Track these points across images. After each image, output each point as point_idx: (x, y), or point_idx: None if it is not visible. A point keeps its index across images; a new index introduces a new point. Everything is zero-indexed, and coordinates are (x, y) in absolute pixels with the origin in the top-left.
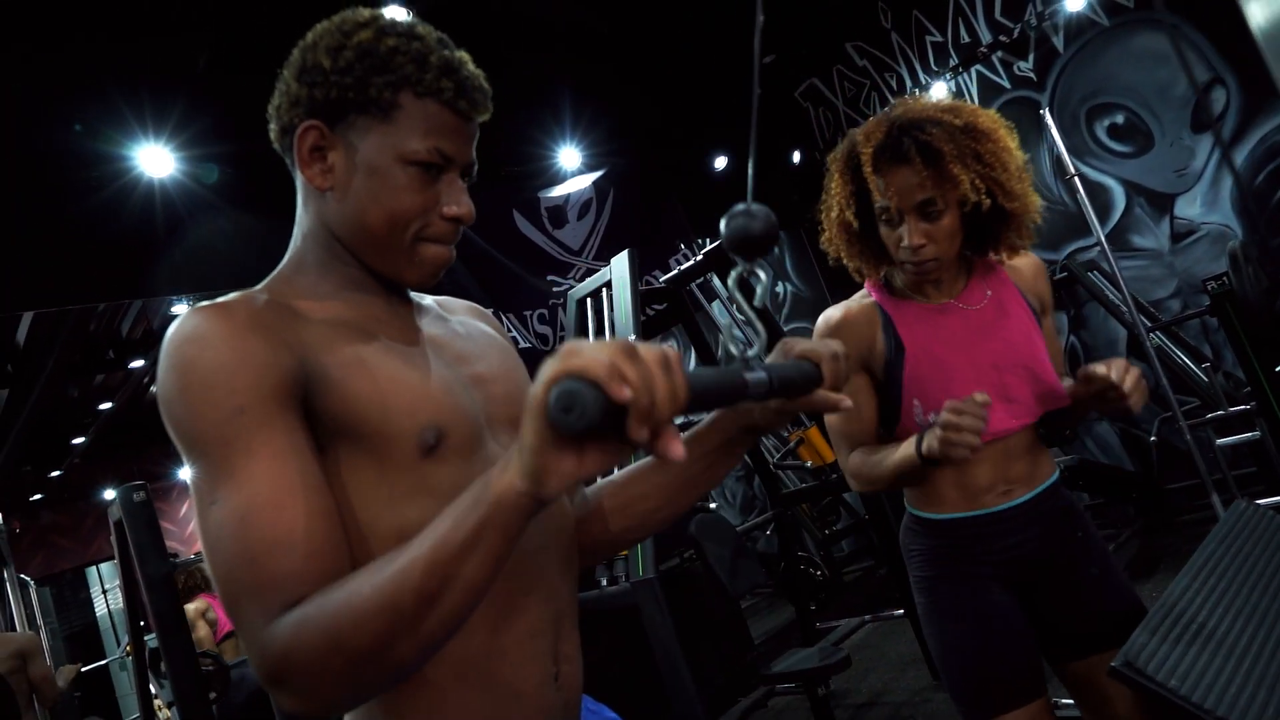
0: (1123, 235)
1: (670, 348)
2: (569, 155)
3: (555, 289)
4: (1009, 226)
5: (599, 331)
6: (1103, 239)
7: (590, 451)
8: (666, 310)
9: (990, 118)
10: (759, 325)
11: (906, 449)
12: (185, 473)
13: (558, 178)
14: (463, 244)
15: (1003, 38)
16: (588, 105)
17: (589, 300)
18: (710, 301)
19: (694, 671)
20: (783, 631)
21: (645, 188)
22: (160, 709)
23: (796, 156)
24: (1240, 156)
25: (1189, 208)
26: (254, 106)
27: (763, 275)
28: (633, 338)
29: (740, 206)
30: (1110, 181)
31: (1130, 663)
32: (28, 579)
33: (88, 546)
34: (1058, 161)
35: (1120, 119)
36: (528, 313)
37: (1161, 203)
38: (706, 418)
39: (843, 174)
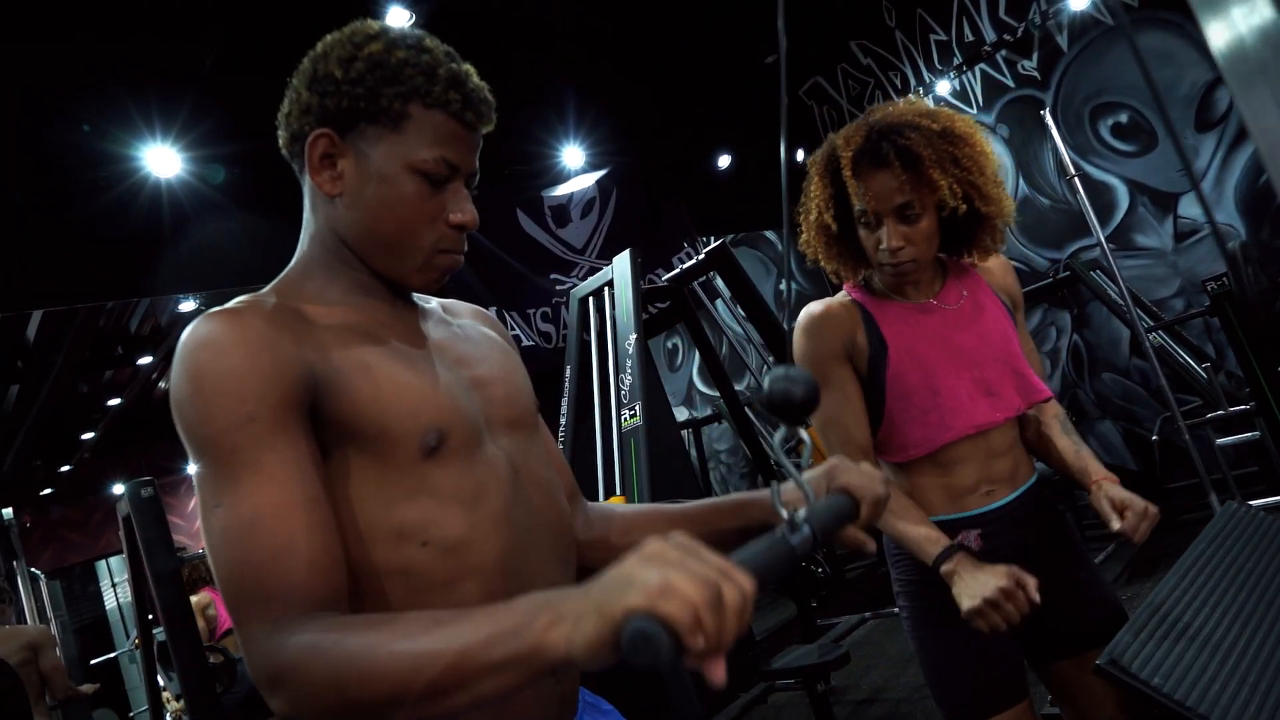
0: (1126, 234)
1: (747, 579)
2: (572, 154)
3: (558, 287)
4: (984, 230)
5: (601, 330)
6: (1102, 239)
7: None
8: (669, 308)
9: (966, 122)
10: (807, 488)
11: (922, 543)
12: (192, 468)
13: (561, 177)
14: (467, 243)
15: (1007, 36)
16: (591, 104)
17: (591, 299)
18: (712, 300)
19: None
20: (784, 628)
21: (648, 186)
22: (169, 701)
23: (800, 155)
24: (1244, 156)
25: (1192, 207)
26: (260, 107)
27: (805, 437)
28: (633, 337)
29: (780, 370)
30: (1114, 180)
31: (1115, 660)
32: (38, 572)
33: (97, 541)
34: (1060, 161)
35: (1124, 118)
36: (531, 311)
37: (1165, 202)
38: (729, 504)
39: (822, 177)
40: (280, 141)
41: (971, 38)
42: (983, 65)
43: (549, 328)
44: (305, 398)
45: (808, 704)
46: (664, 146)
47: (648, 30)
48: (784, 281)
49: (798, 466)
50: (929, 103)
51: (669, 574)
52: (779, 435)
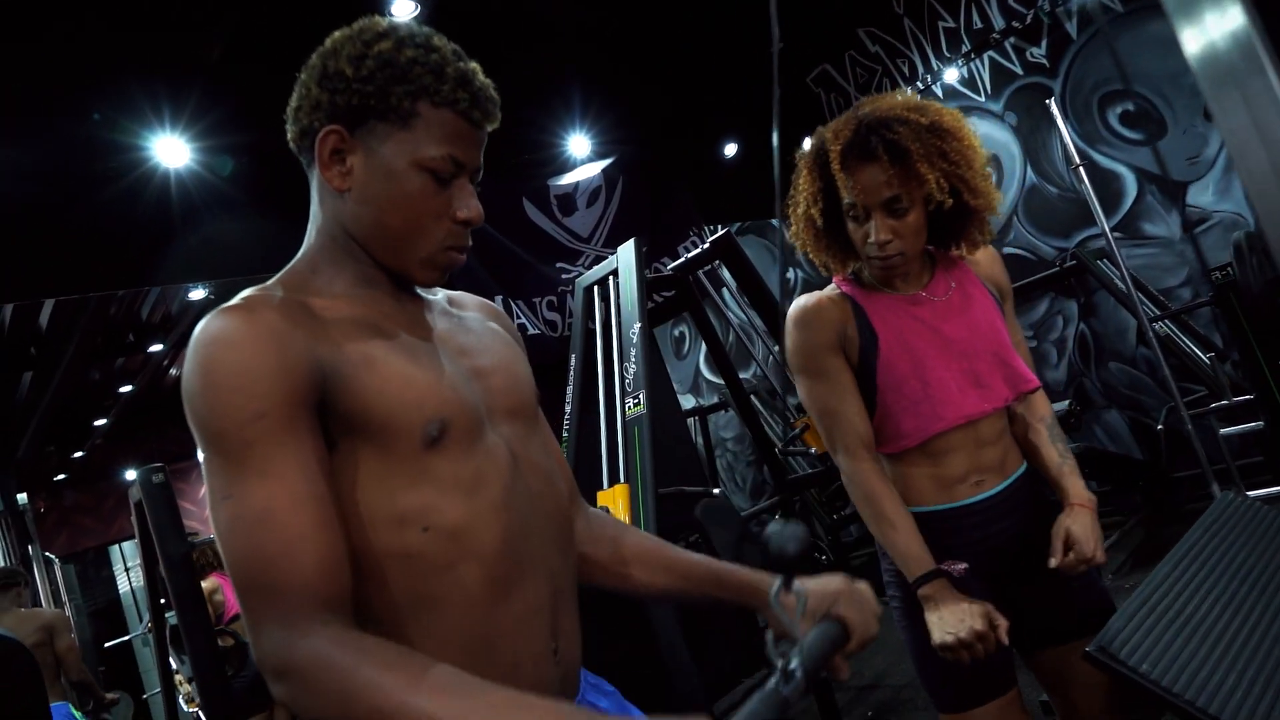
0: (1134, 223)
1: None
2: (578, 143)
3: (564, 276)
4: (971, 223)
5: (605, 319)
6: (1107, 229)
7: None
8: (674, 298)
9: (954, 116)
10: (798, 634)
11: (908, 560)
12: (201, 458)
13: (567, 166)
14: (474, 232)
15: (1015, 24)
16: (597, 94)
17: (596, 288)
18: (718, 289)
19: (699, 653)
20: None
21: (654, 175)
22: (181, 683)
23: (808, 143)
24: None
25: (1201, 195)
26: (267, 99)
27: (802, 592)
28: (638, 326)
29: (775, 526)
30: (1122, 169)
31: (1105, 648)
32: (52, 557)
33: (110, 525)
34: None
35: (1132, 106)
36: (537, 300)
37: (1173, 191)
38: (732, 580)
39: (811, 171)
40: (288, 136)
41: (980, 25)
42: (991, 53)
43: (555, 316)
44: (314, 394)
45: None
46: (670, 135)
47: (654, 19)
48: (791, 269)
49: (797, 597)
50: (937, 91)
51: None
52: (775, 588)
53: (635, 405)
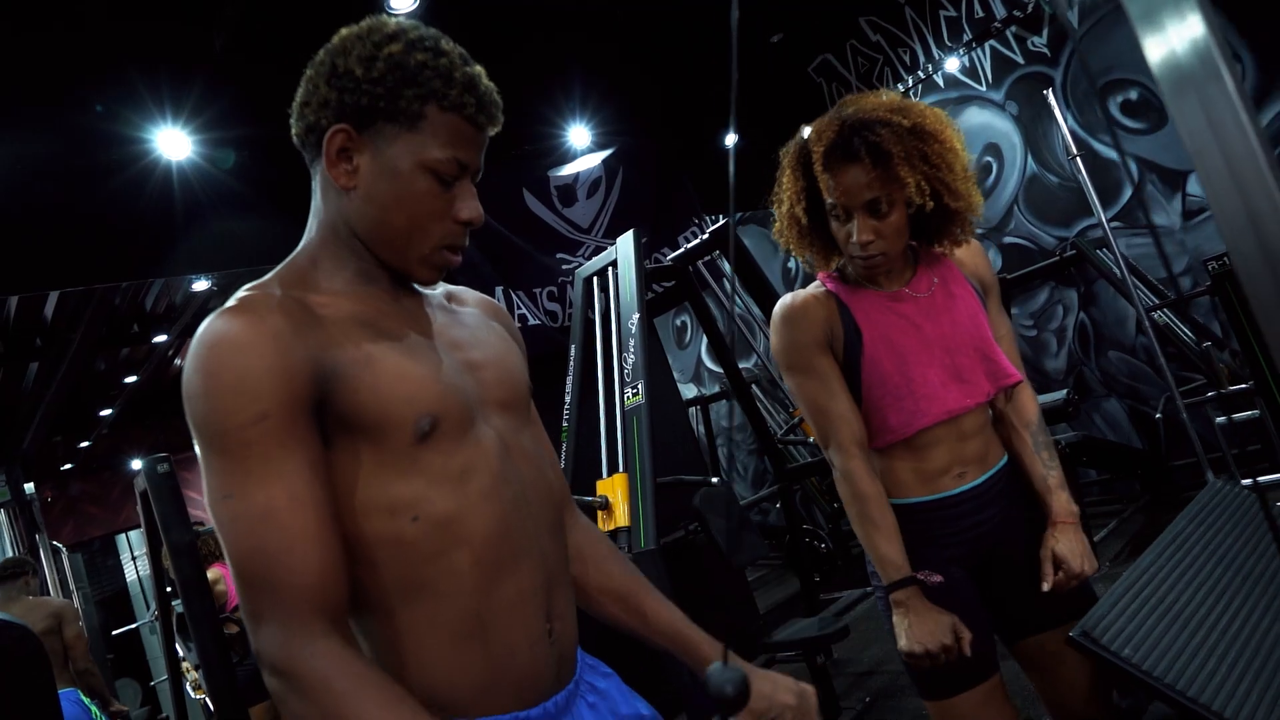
0: (1134, 212)
1: None
2: (579, 134)
3: (564, 267)
4: (953, 223)
5: (605, 309)
6: (1104, 219)
7: None
8: (674, 288)
9: (938, 118)
10: None
11: (885, 565)
12: (199, 455)
13: (567, 156)
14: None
15: (1016, 13)
16: (597, 84)
17: (595, 278)
18: (718, 280)
19: None
20: (788, 602)
21: (654, 166)
22: (188, 670)
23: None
24: None
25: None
26: (269, 92)
27: None
28: (636, 316)
29: (716, 667)
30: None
31: (1088, 633)
32: (60, 546)
33: (117, 515)
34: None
35: (1134, 95)
36: (538, 290)
37: (1174, 180)
38: (687, 642)
39: (794, 170)
40: (294, 131)
41: (981, 14)
42: (992, 42)
43: (555, 307)
44: (313, 394)
45: (808, 676)
46: (671, 126)
47: (654, 9)
48: (792, 259)
49: None
50: (938, 80)
51: None
52: None
53: (634, 395)
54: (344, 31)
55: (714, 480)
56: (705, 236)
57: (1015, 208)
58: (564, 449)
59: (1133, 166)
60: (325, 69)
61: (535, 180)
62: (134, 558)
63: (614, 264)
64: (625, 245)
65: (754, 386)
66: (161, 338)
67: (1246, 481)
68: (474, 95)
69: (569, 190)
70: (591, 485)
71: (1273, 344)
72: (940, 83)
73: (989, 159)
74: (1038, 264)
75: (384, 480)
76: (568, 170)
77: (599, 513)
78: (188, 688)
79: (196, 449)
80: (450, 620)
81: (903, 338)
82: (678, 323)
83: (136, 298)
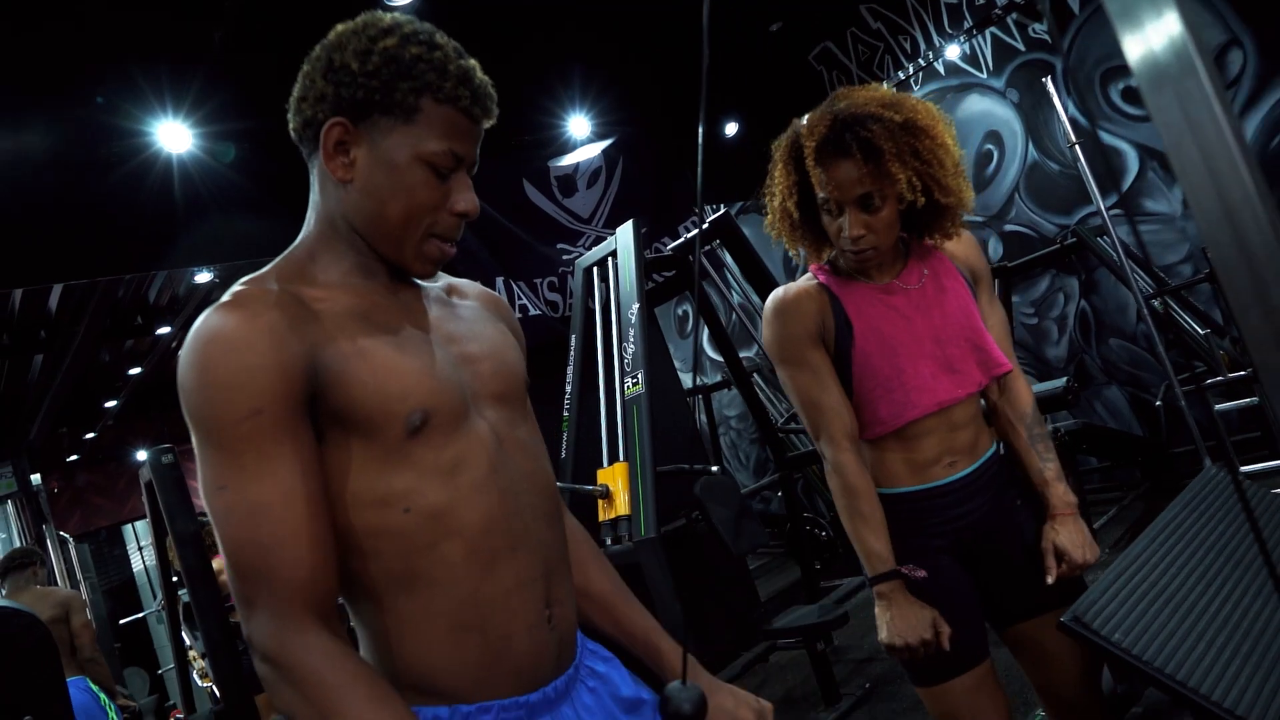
0: (1136, 199)
1: None
2: (578, 124)
3: (565, 257)
4: (944, 217)
5: (605, 299)
6: (1103, 208)
7: None
8: (675, 277)
9: (929, 113)
10: None
11: (870, 557)
12: (195, 446)
13: (567, 146)
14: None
15: None
16: (597, 74)
17: (595, 269)
18: (719, 269)
19: (700, 627)
20: (789, 590)
21: (654, 155)
22: (194, 659)
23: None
24: (1255, 120)
25: None
26: (269, 85)
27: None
28: (636, 306)
29: (675, 686)
30: (1124, 145)
31: (1079, 618)
32: (67, 536)
33: (123, 505)
34: (1072, 125)
35: (1135, 82)
36: (538, 280)
37: None
38: (653, 649)
39: (786, 164)
40: (291, 125)
41: (982, 1)
42: (993, 29)
43: (556, 297)
44: (307, 389)
45: (809, 662)
46: (670, 116)
47: None
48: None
49: None
50: (939, 68)
51: None
52: None
53: (634, 385)
54: (340, 27)
55: (714, 469)
56: (705, 226)
57: (1016, 195)
58: (565, 438)
59: (1131, 154)
60: (321, 64)
61: (535, 171)
62: (140, 548)
63: (614, 254)
64: (625, 235)
65: (755, 375)
66: (165, 330)
67: (1209, 463)
68: (469, 88)
69: (569, 180)
70: (592, 474)
71: (1248, 334)
72: (941, 70)
73: (990, 147)
74: (1039, 252)
75: (376, 473)
76: (568, 160)
77: (600, 501)
78: (194, 676)
79: (193, 441)
80: (446, 608)
81: (893, 330)
82: (679, 312)
83: (140, 290)
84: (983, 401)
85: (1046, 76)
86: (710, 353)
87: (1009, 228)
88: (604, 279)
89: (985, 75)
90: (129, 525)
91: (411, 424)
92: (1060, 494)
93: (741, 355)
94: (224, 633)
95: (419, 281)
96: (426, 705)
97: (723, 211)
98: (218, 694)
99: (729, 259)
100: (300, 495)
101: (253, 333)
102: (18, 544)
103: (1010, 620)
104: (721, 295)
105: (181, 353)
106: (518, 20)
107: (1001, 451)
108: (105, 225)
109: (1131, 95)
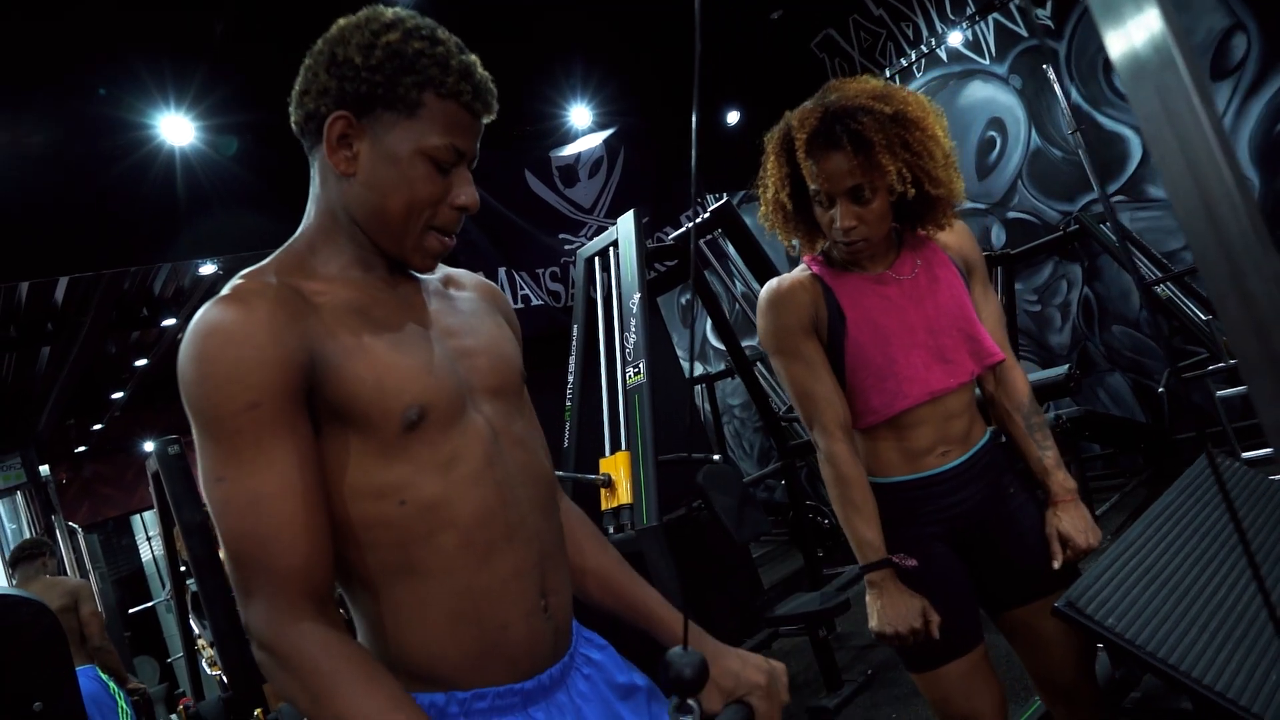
0: (1138, 185)
1: None
2: (580, 114)
3: (567, 247)
4: (935, 208)
5: (606, 289)
6: (1105, 195)
7: None
8: (676, 267)
9: (920, 105)
10: None
11: (863, 546)
12: (195, 438)
13: (569, 137)
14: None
15: None
16: (598, 64)
17: (597, 259)
18: (720, 259)
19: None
20: (793, 577)
21: (656, 145)
22: (203, 647)
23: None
24: (1259, 105)
25: None
26: (271, 78)
27: (694, 706)
28: (637, 296)
29: (676, 651)
30: (1127, 131)
31: (1072, 603)
32: (76, 527)
33: (131, 496)
34: (1074, 112)
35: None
36: (540, 271)
37: None
38: (652, 618)
39: (778, 156)
40: (293, 119)
41: None
42: (996, 15)
43: (558, 287)
44: (305, 383)
45: (811, 649)
46: (671, 105)
47: None
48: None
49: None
50: (941, 54)
51: None
52: (671, 704)
53: (635, 375)
54: (342, 21)
55: (715, 457)
56: (707, 215)
57: (1019, 182)
58: (567, 428)
59: (1133, 140)
60: (324, 57)
61: (537, 161)
62: (149, 538)
63: (615, 244)
64: (626, 225)
65: (758, 364)
66: (170, 321)
67: (1249, 455)
68: (470, 83)
69: (570, 171)
70: (595, 463)
71: (1226, 322)
72: (943, 57)
73: (992, 133)
74: (1042, 239)
75: (373, 466)
76: (569, 150)
77: (602, 490)
78: (203, 664)
79: (193, 432)
80: (442, 598)
81: (886, 320)
82: (683, 301)
83: (144, 282)
84: (979, 391)
85: (1047, 64)
86: (714, 341)
87: (1012, 214)
88: (605, 269)
89: (988, 61)
90: (137, 515)
91: (408, 419)
92: (1060, 480)
93: (744, 344)
94: (231, 621)
95: (417, 274)
96: (423, 692)
97: (724, 200)
98: (226, 682)
99: (731, 249)
100: (297, 487)
101: (251, 326)
102: (27, 534)
103: (1005, 606)
104: (724, 284)
105: (181, 346)
106: (519, 10)
107: (996, 440)
108: (108, 218)
109: None
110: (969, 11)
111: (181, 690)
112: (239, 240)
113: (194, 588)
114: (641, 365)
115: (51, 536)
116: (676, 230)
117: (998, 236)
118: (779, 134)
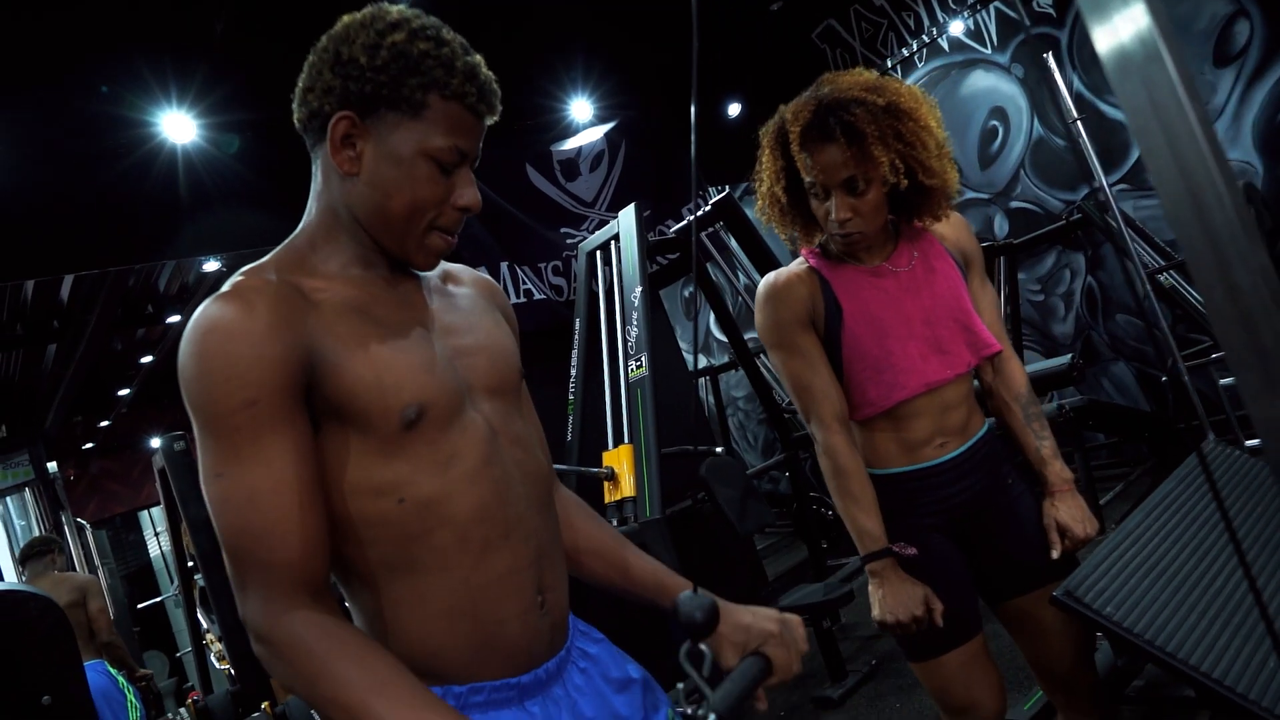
0: (1141, 173)
1: None
2: (581, 107)
3: (569, 241)
4: (930, 199)
5: (608, 283)
6: (1105, 184)
7: None
8: (679, 260)
9: (913, 96)
10: (706, 690)
11: (863, 536)
12: (195, 434)
13: (570, 130)
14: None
15: None
16: (599, 57)
17: (599, 252)
18: (722, 251)
19: None
20: (797, 569)
21: (657, 138)
22: (211, 642)
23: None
24: (1262, 92)
25: None
26: (272, 73)
27: (706, 651)
28: (639, 290)
29: (686, 595)
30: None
31: (1071, 592)
32: (84, 523)
33: (138, 492)
34: (1077, 101)
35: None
36: (542, 264)
37: None
38: (656, 586)
39: (773, 149)
40: (296, 116)
41: None
42: (997, 4)
43: (560, 281)
44: (304, 381)
45: (815, 640)
46: (672, 98)
47: None
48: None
49: (704, 662)
50: (943, 44)
51: None
52: (683, 649)
53: (637, 368)
54: (346, 19)
55: (718, 450)
56: (708, 208)
57: (1021, 171)
58: (570, 421)
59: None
60: (329, 56)
61: (538, 155)
62: (156, 533)
63: (616, 238)
64: (627, 219)
65: (760, 356)
66: (175, 318)
67: (1211, 438)
68: (475, 85)
69: (572, 164)
70: (598, 457)
71: (1212, 313)
72: (945, 46)
73: (994, 123)
74: (1044, 228)
75: (371, 464)
76: (570, 144)
77: (605, 483)
78: (211, 658)
79: (193, 428)
80: (439, 594)
81: (883, 311)
82: (686, 294)
83: (149, 279)
84: (977, 383)
85: (1048, 52)
86: (717, 334)
87: (1014, 204)
88: (607, 262)
89: (990, 51)
90: (145, 511)
91: (407, 418)
92: (1057, 471)
93: (747, 336)
94: (239, 616)
95: (415, 271)
96: None
97: (726, 193)
98: (234, 675)
99: (733, 241)
100: (294, 483)
101: (249, 323)
102: (36, 531)
103: (1004, 597)
104: (726, 277)
105: (181, 342)
106: (520, 4)
107: (994, 431)
108: (111, 216)
109: None
110: (970, 0)
111: (191, 684)
112: (241, 237)
113: (201, 582)
114: (644, 358)
115: (60, 533)
116: (678, 223)
117: (1000, 226)
118: (773, 127)
